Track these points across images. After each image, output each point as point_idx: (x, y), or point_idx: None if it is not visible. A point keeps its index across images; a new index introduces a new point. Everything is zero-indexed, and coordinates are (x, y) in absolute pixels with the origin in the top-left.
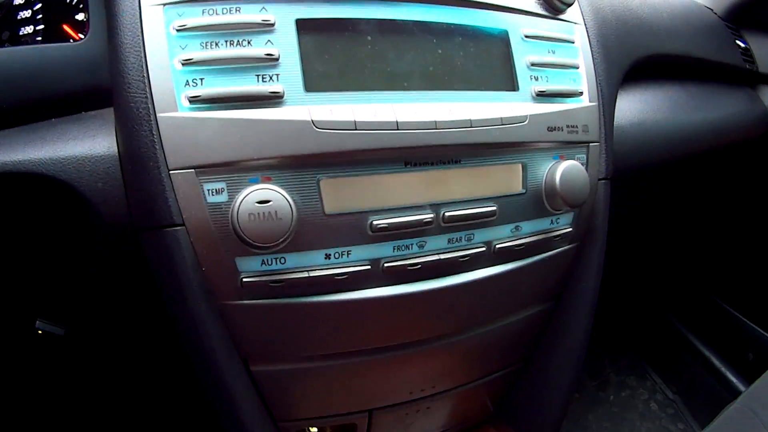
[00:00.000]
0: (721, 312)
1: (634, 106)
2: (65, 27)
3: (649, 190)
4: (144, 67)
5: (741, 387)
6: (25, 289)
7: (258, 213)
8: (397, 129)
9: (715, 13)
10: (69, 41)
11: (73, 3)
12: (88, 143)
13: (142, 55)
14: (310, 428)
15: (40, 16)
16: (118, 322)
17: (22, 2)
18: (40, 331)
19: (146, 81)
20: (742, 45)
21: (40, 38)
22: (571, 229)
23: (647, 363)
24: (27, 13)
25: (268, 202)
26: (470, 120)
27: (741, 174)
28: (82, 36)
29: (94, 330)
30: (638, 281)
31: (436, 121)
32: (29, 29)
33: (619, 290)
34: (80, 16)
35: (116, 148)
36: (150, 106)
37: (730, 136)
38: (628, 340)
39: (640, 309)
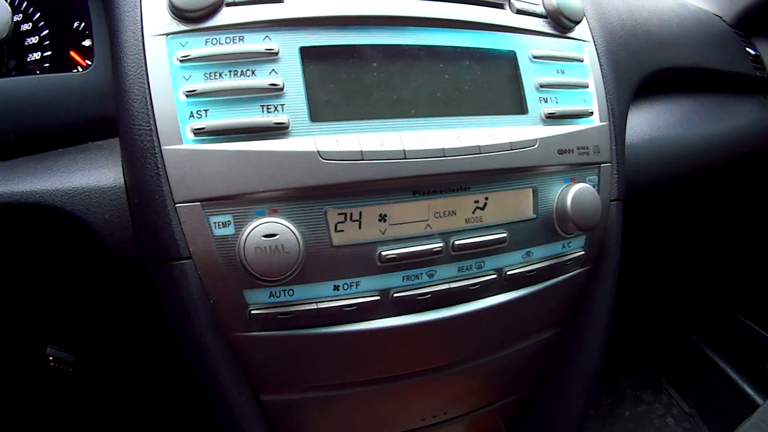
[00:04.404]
0: (738, 324)
1: (645, 122)
2: (72, 53)
3: (663, 207)
4: (148, 98)
5: (758, 400)
6: (36, 317)
7: (265, 247)
8: (405, 158)
9: (724, 21)
10: (77, 68)
11: (80, 29)
12: (95, 174)
13: (146, 86)
14: None
15: (48, 42)
16: (128, 350)
17: (29, 29)
18: (51, 358)
19: (150, 113)
20: (753, 52)
21: (47, 65)
22: (583, 253)
23: (663, 377)
24: (34, 40)
25: (274, 235)
26: (479, 146)
27: (754, 184)
28: (89, 62)
29: (105, 357)
30: (653, 294)
31: (444, 149)
32: (36, 56)
33: (634, 304)
34: (87, 42)
35: (123, 179)
36: (155, 138)
37: (744, 146)
38: (643, 354)
39: (655, 322)
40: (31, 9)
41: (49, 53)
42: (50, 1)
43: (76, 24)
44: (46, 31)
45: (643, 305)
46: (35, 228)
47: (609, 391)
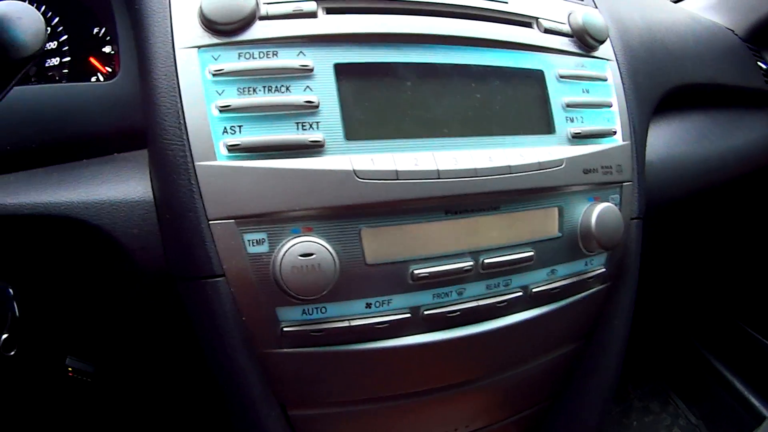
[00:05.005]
0: (746, 336)
1: (662, 140)
2: (92, 60)
3: (678, 223)
4: (180, 113)
5: (765, 412)
6: (57, 328)
7: (301, 266)
8: (439, 178)
9: (736, 35)
10: (96, 74)
11: (100, 35)
12: (122, 187)
13: (178, 100)
14: None
15: (66, 48)
16: (151, 362)
17: (47, 33)
18: (70, 368)
19: (183, 128)
20: (764, 66)
21: (66, 71)
22: (604, 270)
23: (670, 388)
24: (53, 45)
25: (311, 255)
26: (509, 166)
27: (764, 198)
28: (109, 69)
29: (127, 369)
30: (661, 305)
31: (476, 169)
32: (55, 61)
33: (642, 314)
34: (107, 49)
35: (151, 193)
36: (188, 154)
37: (758, 160)
38: (650, 365)
39: (663, 333)
40: (50, 13)
41: (68, 59)
42: (69, 6)
43: (96, 30)
44: (65, 36)
45: (651, 316)
46: (59, 238)
47: (617, 401)
